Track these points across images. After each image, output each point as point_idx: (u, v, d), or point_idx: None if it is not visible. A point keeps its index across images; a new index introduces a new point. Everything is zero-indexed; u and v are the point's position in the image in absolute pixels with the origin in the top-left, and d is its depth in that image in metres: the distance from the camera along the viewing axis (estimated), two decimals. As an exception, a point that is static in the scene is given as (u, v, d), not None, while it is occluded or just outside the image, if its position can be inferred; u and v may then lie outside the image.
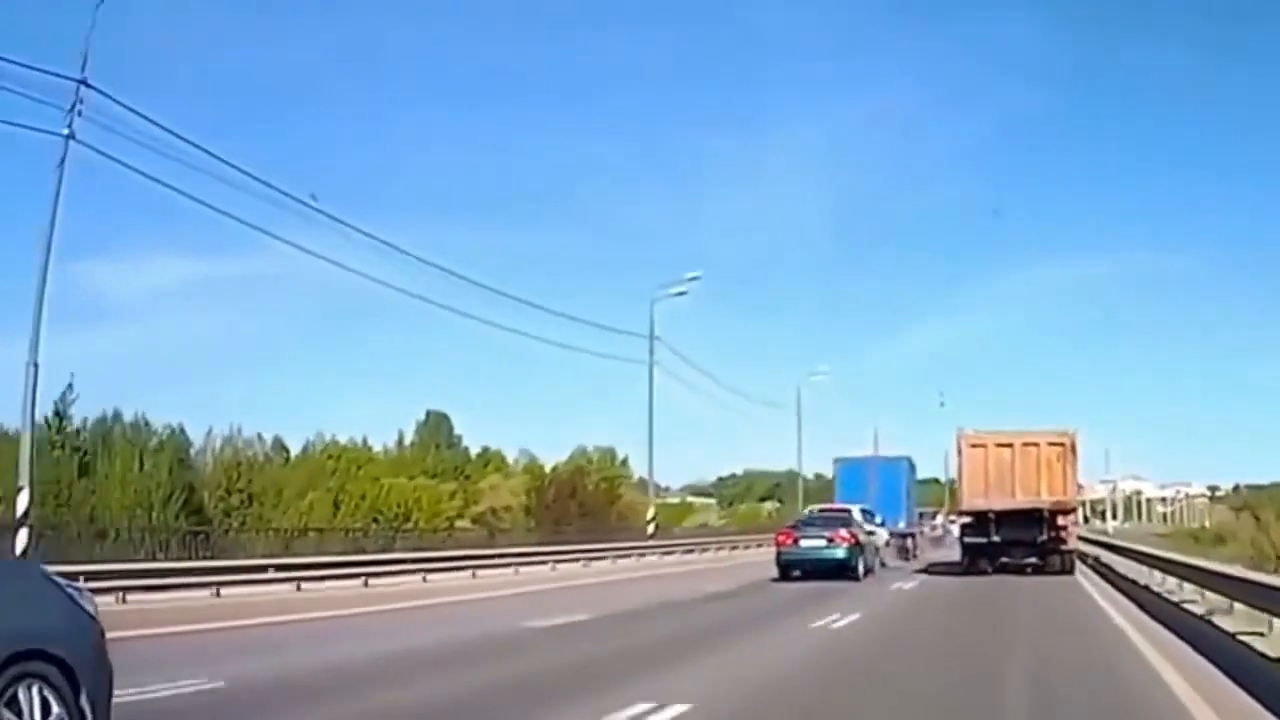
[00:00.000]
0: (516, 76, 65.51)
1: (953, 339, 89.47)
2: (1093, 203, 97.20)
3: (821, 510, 30.91)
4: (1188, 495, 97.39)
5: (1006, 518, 25.37)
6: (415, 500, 51.93)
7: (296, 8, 68.19)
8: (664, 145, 74.27)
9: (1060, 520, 25.80)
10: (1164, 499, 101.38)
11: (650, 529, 43.22)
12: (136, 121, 19.34)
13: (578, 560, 32.98)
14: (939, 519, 51.79)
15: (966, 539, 27.07)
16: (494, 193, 76.42)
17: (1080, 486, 27.90)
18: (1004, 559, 26.11)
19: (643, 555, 37.59)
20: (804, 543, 25.63)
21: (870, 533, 28.89)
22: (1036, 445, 25.62)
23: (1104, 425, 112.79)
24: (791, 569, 25.24)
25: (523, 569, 29.29)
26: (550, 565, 30.86)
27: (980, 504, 25.76)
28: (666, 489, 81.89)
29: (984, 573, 25.71)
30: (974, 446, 26.06)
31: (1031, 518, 25.24)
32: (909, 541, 37.78)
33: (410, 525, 44.90)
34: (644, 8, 64.26)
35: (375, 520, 46.85)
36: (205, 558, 21.92)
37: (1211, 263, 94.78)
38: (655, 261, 74.80)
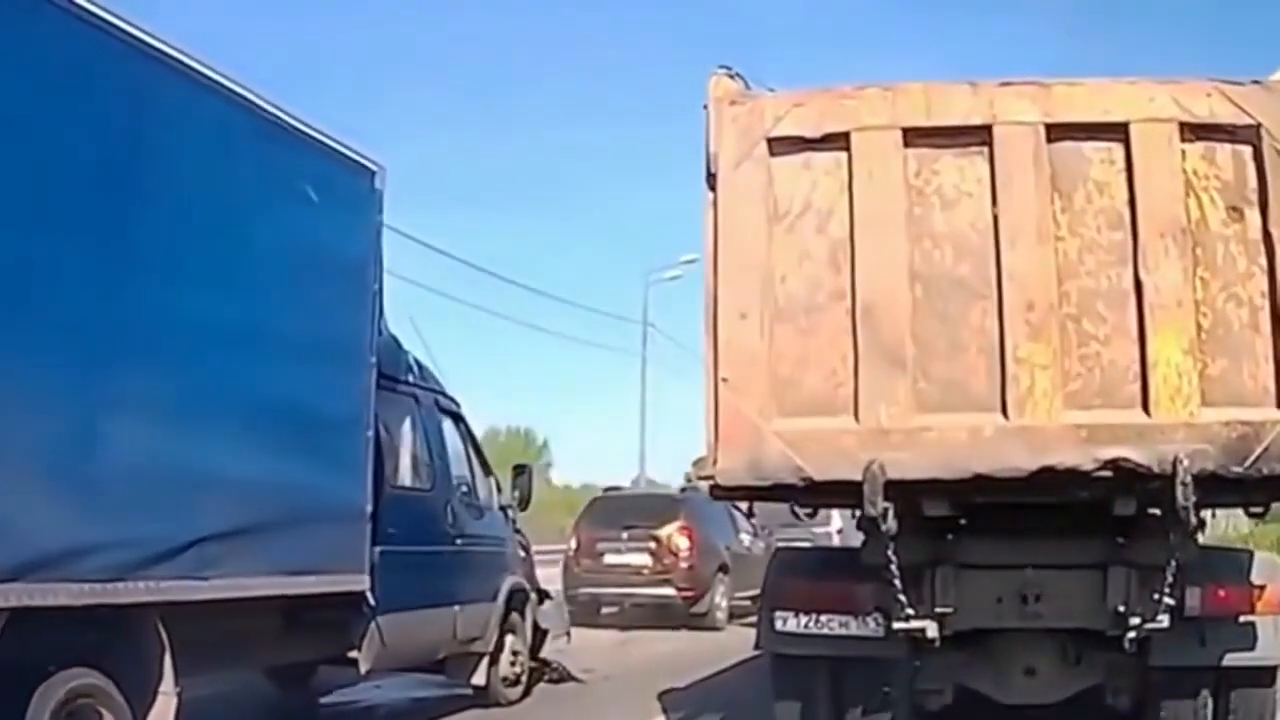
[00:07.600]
0: (513, 63, 62.93)
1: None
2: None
3: None
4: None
5: (980, 530, 4.62)
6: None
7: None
8: (659, 134, 71.73)
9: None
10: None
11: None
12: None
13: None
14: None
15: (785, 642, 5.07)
16: (491, 179, 73.69)
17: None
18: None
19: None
20: None
21: None
22: (1122, 135, 4.07)
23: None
24: None
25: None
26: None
27: (819, 458, 4.14)
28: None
29: None
30: (786, 147, 4.27)
31: (1111, 534, 4.55)
32: None
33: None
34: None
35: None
36: None
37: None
38: (646, 247, 71.82)
